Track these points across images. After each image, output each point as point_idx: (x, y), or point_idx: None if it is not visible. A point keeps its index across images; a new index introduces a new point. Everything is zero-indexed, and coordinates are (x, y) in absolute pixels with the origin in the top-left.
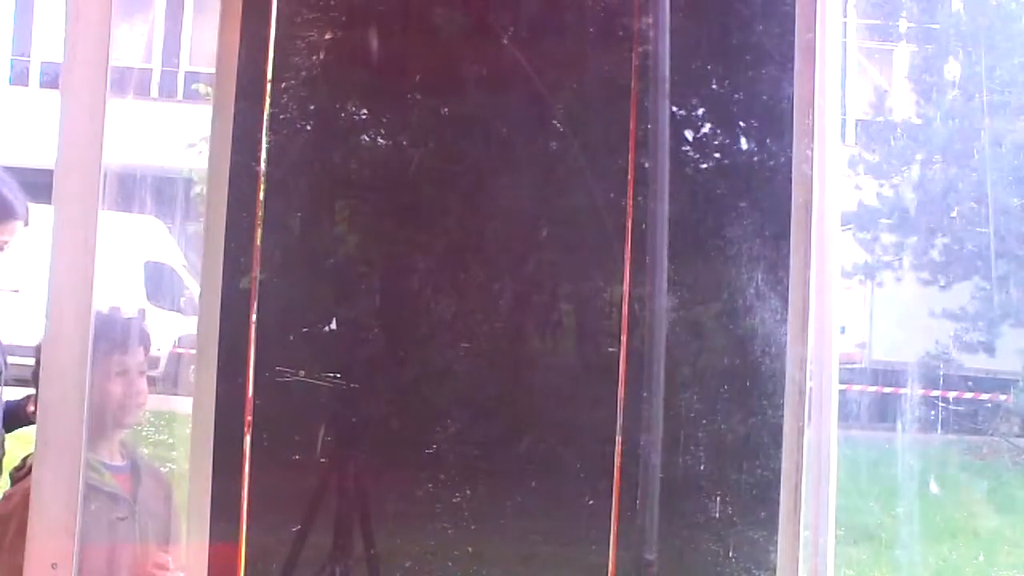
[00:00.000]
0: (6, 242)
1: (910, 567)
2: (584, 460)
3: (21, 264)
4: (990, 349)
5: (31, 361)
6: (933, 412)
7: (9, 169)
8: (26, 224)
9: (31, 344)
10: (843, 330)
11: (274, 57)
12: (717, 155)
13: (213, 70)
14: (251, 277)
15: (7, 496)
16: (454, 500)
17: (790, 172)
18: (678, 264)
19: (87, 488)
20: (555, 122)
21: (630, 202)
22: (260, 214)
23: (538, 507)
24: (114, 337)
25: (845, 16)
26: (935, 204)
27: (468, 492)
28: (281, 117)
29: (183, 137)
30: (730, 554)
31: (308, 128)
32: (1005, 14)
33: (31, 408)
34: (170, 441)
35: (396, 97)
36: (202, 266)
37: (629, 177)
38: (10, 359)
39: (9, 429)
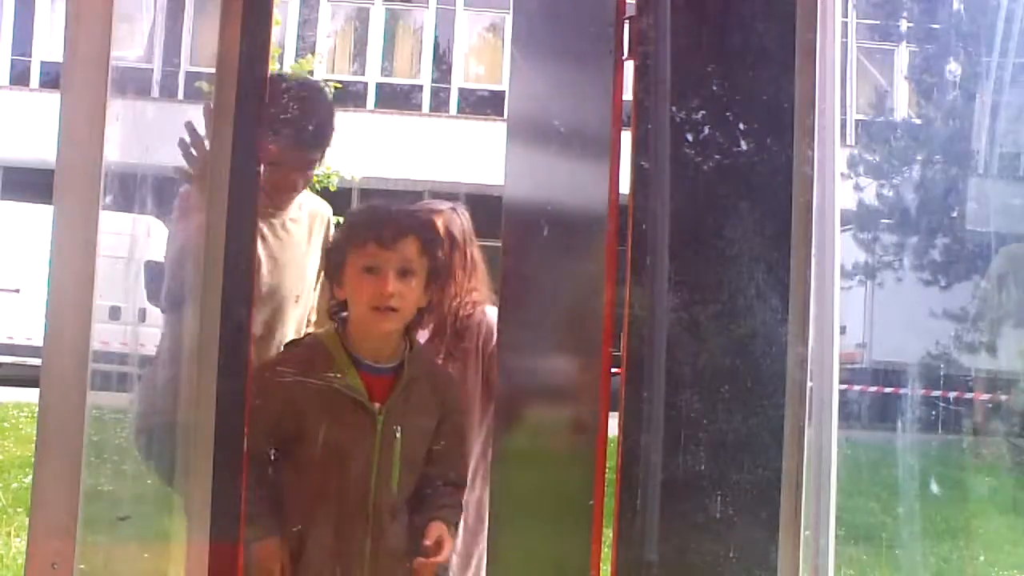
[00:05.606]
0: None
1: (910, 567)
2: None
3: (21, 264)
4: (990, 349)
5: (29, 361)
6: (933, 412)
7: (10, 168)
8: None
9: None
10: (843, 330)
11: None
12: (717, 155)
13: (213, 70)
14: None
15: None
16: None
17: (790, 172)
18: (678, 264)
19: None
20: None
21: (631, 202)
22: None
23: None
24: None
25: (845, 16)
26: (935, 204)
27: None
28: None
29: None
30: (731, 554)
31: None
32: (1005, 14)
33: None
34: None
35: None
36: (202, 266)
37: (629, 177)
38: (11, 359)
39: None
